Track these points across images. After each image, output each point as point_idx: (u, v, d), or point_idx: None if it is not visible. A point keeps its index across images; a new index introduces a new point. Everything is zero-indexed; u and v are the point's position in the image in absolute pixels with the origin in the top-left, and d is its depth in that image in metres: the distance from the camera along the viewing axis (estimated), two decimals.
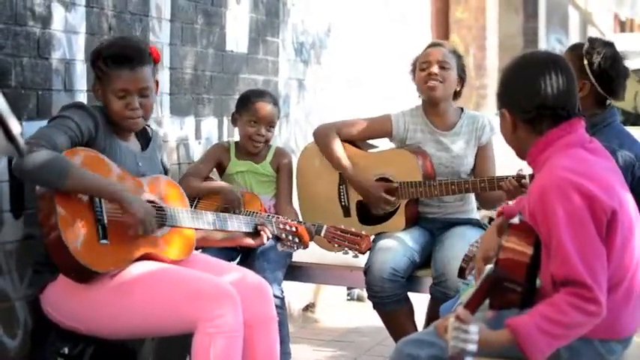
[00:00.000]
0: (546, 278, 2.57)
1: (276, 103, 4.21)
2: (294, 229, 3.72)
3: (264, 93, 4.28)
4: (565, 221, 2.48)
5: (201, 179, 4.12)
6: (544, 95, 2.63)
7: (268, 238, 3.64)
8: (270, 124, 4.16)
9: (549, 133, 2.65)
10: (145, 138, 3.48)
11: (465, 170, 4.13)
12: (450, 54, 4.12)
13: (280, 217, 3.84)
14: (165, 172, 3.57)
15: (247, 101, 4.17)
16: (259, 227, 3.61)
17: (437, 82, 4.05)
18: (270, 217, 3.81)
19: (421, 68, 4.10)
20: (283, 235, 3.70)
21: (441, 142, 4.13)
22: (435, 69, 4.05)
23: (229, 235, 3.60)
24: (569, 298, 2.45)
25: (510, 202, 3.54)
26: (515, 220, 2.69)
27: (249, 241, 3.63)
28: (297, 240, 3.72)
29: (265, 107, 4.13)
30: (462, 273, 3.23)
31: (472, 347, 2.26)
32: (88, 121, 3.17)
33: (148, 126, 3.54)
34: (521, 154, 2.75)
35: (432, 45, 4.21)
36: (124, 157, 3.28)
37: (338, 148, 4.21)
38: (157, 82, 3.38)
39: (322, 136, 4.27)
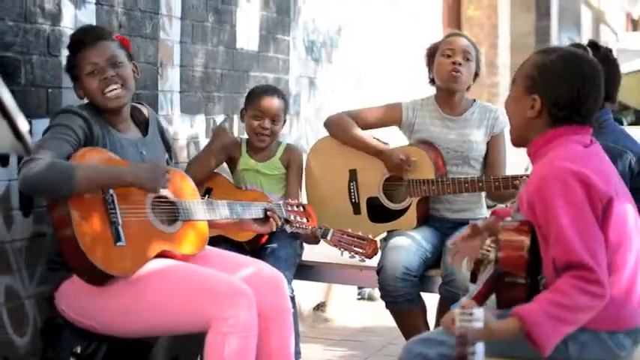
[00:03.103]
0: (549, 271, 2.57)
1: (282, 97, 4.15)
2: (302, 208, 3.74)
3: (270, 87, 4.27)
4: (564, 207, 2.51)
5: (208, 171, 4.09)
6: (583, 104, 2.67)
7: (277, 226, 3.63)
8: (275, 118, 4.10)
9: (559, 128, 2.68)
10: (144, 122, 3.45)
11: (474, 157, 4.11)
12: (471, 46, 4.13)
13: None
14: (169, 149, 3.54)
15: (252, 96, 4.16)
16: (269, 213, 3.61)
17: (459, 73, 4.04)
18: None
19: (446, 54, 4.07)
20: (292, 217, 3.71)
21: (449, 126, 4.12)
22: (460, 58, 4.05)
23: (239, 221, 3.60)
24: (573, 281, 2.46)
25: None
26: (508, 221, 2.70)
27: (258, 228, 3.62)
28: (305, 220, 3.72)
29: (269, 100, 4.09)
30: (473, 278, 3.22)
31: (479, 325, 2.24)
32: (79, 121, 3.13)
33: (141, 103, 3.50)
34: (523, 139, 2.76)
35: (455, 34, 4.21)
36: (125, 149, 3.26)
37: (358, 131, 4.20)
38: (134, 65, 3.36)
39: (338, 123, 4.25)
